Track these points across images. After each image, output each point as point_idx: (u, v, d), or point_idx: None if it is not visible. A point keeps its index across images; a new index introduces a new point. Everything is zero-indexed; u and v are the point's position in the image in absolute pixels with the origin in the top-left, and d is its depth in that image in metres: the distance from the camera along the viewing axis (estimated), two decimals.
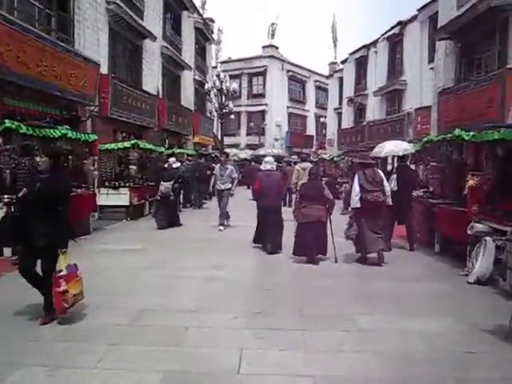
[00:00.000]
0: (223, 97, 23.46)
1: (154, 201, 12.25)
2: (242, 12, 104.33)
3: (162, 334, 4.22)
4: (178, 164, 13.71)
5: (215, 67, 32.45)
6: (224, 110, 24.06)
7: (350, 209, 7.92)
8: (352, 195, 7.55)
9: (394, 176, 8.78)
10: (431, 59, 19.19)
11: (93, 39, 14.03)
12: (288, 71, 40.99)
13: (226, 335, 4.25)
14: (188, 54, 24.42)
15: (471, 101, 11.71)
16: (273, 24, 40.45)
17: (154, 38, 18.42)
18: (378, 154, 12.72)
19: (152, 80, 19.19)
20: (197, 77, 26.10)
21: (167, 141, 20.46)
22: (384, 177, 7.67)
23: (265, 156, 30.67)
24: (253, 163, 23.94)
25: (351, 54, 28.45)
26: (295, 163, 23.50)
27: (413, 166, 10.52)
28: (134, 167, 13.30)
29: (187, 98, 24.60)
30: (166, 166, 12.53)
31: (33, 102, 10.72)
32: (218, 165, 11.75)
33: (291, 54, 47.21)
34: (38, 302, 4.59)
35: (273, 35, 40.42)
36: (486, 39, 12.41)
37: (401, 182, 8.65)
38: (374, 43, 25.31)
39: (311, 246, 7.38)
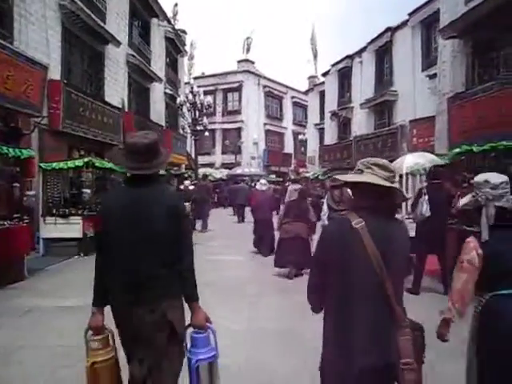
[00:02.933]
0: (197, 112, 21.33)
1: None
2: (215, 26, 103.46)
3: None
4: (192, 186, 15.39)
5: (188, 83, 30.33)
6: (198, 127, 21.88)
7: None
8: (321, 214, 8.07)
9: (426, 198, 6.68)
10: (425, 67, 17.58)
11: (40, 38, 11.75)
12: (264, 87, 39.27)
13: None
14: (158, 65, 22.22)
15: (494, 105, 9.82)
16: (248, 38, 38.88)
17: (117, 44, 16.19)
18: (398, 170, 10.64)
19: (116, 91, 16.88)
20: (168, 90, 23.86)
21: None
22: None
23: (241, 175, 29.37)
24: (243, 183, 22.98)
25: (333, 65, 26.69)
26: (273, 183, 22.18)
27: None
28: (88, 191, 10.80)
29: (157, 112, 22.30)
30: (181, 187, 14.90)
31: None
32: None
33: (268, 69, 45.93)
34: None
35: (248, 49, 38.79)
36: (507, 33, 10.56)
37: (434, 204, 6.60)
38: (359, 53, 23.58)
39: (290, 260, 7.92)
